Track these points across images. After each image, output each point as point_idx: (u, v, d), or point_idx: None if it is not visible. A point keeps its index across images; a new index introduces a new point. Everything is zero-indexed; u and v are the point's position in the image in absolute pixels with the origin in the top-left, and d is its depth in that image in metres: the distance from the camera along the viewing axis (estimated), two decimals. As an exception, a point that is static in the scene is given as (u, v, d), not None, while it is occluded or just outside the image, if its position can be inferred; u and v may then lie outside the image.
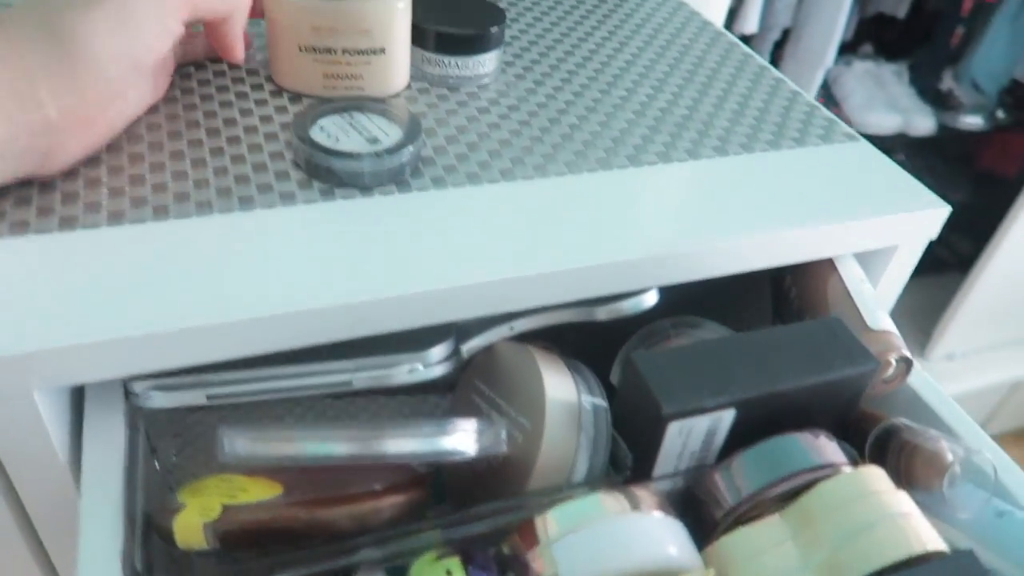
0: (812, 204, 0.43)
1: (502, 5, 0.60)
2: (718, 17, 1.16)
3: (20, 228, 0.34)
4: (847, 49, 1.96)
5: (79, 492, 0.31)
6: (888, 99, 2.00)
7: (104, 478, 0.31)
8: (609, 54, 0.55)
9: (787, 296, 0.47)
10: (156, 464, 0.39)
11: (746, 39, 1.71)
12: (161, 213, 0.36)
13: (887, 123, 1.97)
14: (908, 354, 0.41)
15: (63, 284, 0.32)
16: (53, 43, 0.33)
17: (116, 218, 0.35)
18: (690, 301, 0.46)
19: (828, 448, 0.36)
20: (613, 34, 0.58)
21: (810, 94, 1.77)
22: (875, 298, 0.43)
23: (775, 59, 1.78)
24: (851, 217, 0.42)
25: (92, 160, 0.38)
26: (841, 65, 1.98)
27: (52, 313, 0.31)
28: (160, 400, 0.35)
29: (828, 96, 2.01)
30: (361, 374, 0.36)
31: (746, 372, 0.36)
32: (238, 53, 0.41)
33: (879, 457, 0.38)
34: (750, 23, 1.59)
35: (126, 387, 0.35)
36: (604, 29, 0.58)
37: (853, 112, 1.98)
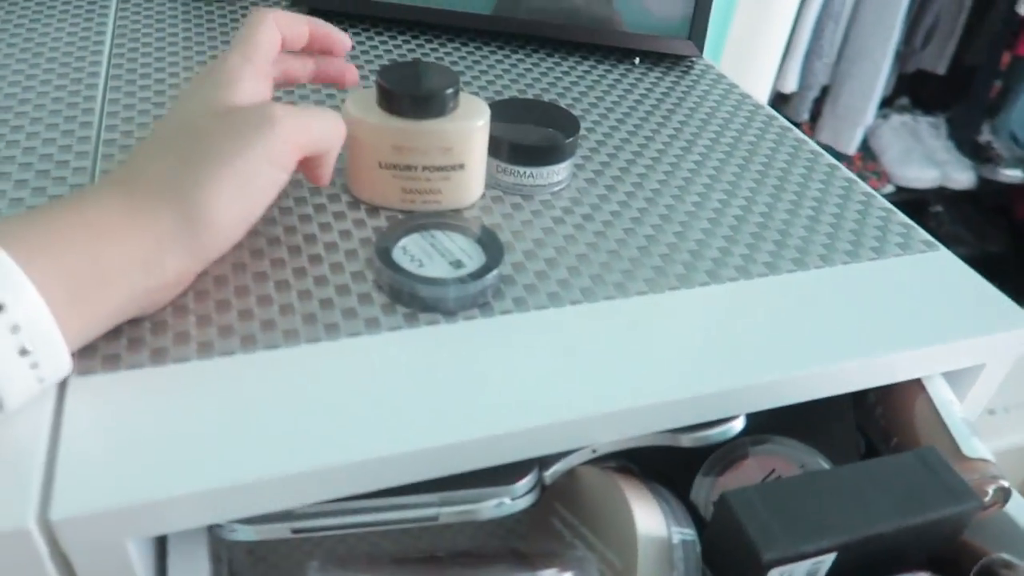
0: (898, 325, 0.42)
1: (567, 101, 0.60)
2: (765, 80, 1.16)
3: (112, 363, 0.34)
4: (883, 102, 1.95)
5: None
6: (926, 152, 1.99)
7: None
8: (677, 154, 0.55)
9: (872, 414, 0.45)
10: (238, 598, 0.38)
11: (784, 97, 1.71)
12: (249, 343, 0.36)
13: (926, 176, 1.95)
14: (1006, 484, 0.40)
15: (155, 428, 0.32)
16: (183, 216, 0.33)
17: (205, 350, 0.35)
18: (768, 414, 0.45)
19: (931, 592, 0.35)
20: (679, 132, 0.57)
21: (850, 151, 1.77)
22: (967, 422, 0.42)
23: (813, 116, 1.78)
24: (939, 338, 0.41)
25: (179, 284, 0.38)
26: (878, 119, 1.98)
27: (145, 462, 0.30)
28: (245, 534, 0.35)
29: (865, 149, 2.00)
30: (448, 509, 0.36)
31: (844, 512, 0.35)
32: (327, 181, 0.41)
33: (981, 598, 0.36)
34: (790, 82, 1.59)
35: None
36: (670, 126, 0.58)
37: (891, 165, 1.97)
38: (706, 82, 0.65)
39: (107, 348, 0.35)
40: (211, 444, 0.31)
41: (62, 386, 0.33)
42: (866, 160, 1.98)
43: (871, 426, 0.46)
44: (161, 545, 0.35)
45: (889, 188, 1.96)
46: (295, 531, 0.35)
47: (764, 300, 0.42)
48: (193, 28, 0.64)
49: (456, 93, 0.43)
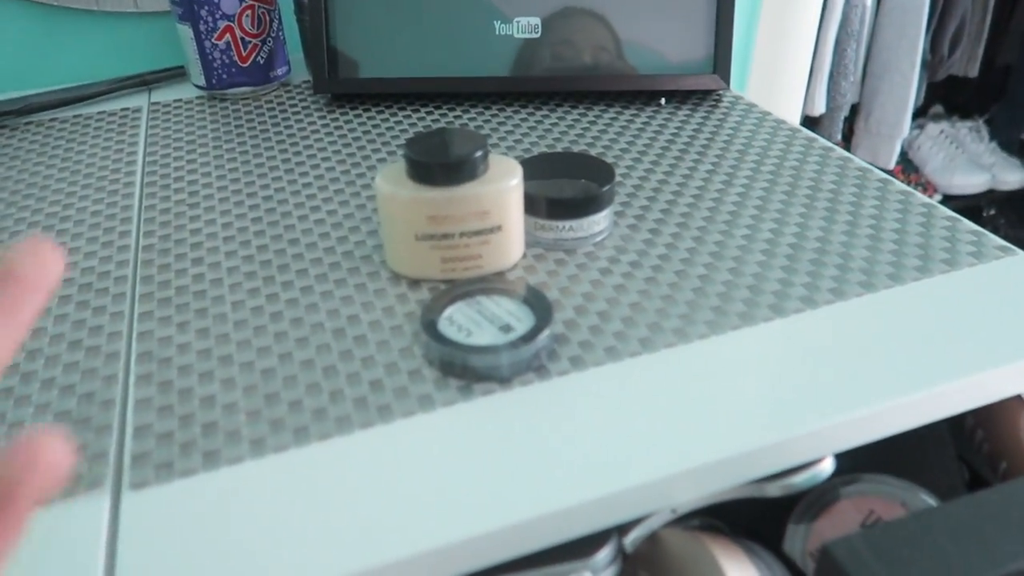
0: (987, 337, 0.39)
1: (597, 150, 0.59)
2: (795, 104, 1.14)
3: (165, 471, 0.33)
4: (918, 113, 1.91)
5: None
6: (970, 157, 1.93)
7: None
8: (719, 188, 0.53)
9: (972, 439, 0.42)
10: None
11: (814, 120, 1.69)
12: (302, 435, 0.35)
13: (974, 182, 1.90)
14: None
15: (212, 537, 0.30)
16: None
17: (258, 448, 0.34)
18: (859, 450, 0.41)
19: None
20: (717, 165, 0.56)
21: (889, 165, 1.72)
22: (1081, 436, 0.38)
23: (846, 136, 1.75)
24: (1035, 348, 0.38)
25: (226, 382, 0.38)
26: (914, 130, 1.93)
27: (202, 571, 0.29)
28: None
29: (906, 162, 1.95)
30: (527, 592, 0.33)
31: (962, 554, 0.32)
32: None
33: None
34: (819, 104, 1.57)
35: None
36: (707, 161, 0.56)
37: (935, 175, 1.91)
38: (737, 113, 0.64)
39: (159, 456, 0.34)
40: (269, 548, 0.30)
41: (115, 501, 0.32)
42: (908, 173, 1.93)
43: (973, 453, 0.42)
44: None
45: (937, 198, 1.91)
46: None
47: (835, 328, 0.40)
48: (221, 127, 0.65)
49: (486, 155, 0.42)
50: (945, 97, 1.98)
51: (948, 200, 1.93)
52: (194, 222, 0.51)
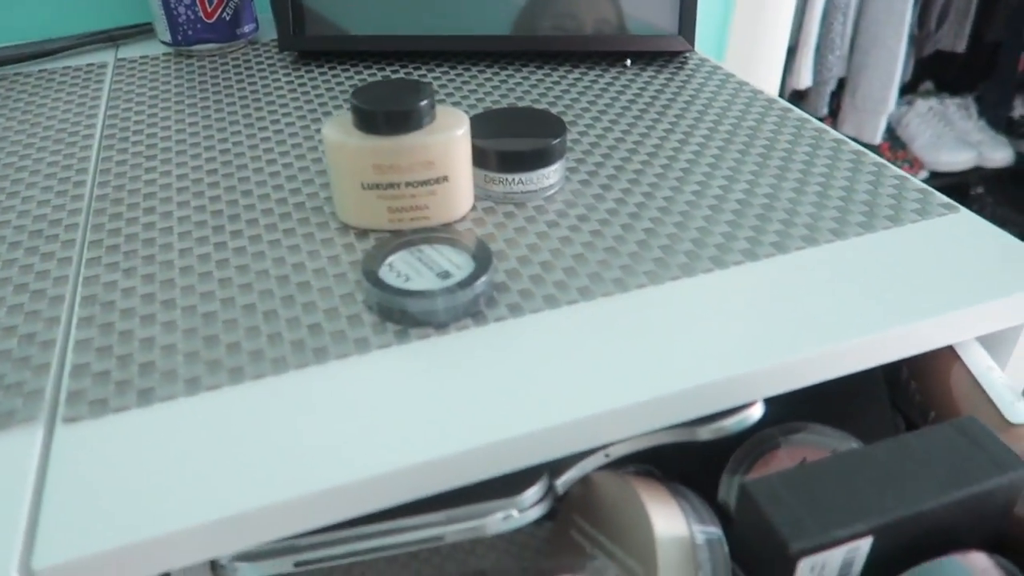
0: (921, 290, 0.39)
1: (558, 109, 0.59)
2: (773, 77, 1.14)
3: (99, 408, 0.34)
4: (907, 89, 1.91)
5: None
6: (957, 134, 1.93)
7: (195, 675, 0.29)
8: (674, 147, 0.53)
9: (907, 391, 0.42)
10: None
11: (801, 94, 1.69)
12: (237, 375, 0.35)
13: (960, 159, 1.90)
14: (1058, 448, 0.37)
15: (142, 470, 0.31)
16: None
17: (192, 386, 0.35)
18: (797, 403, 0.42)
19: (984, 567, 0.31)
20: (676, 125, 0.56)
21: (874, 140, 1.73)
22: (1009, 386, 0.39)
23: (833, 110, 1.75)
24: (968, 301, 0.38)
25: (167, 324, 0.38)
26: (903, 106, 1.93)
27: (132, 504, 0.29)
28: (247, 572, 0.34)
29: (894, 139, 1.95)
30: (453, 527, 0.34)
31: (880, 493, 0.32)
32: None
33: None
34: (804, 78, 1.57)
35: (212, 560, 0.33)
36: (666, 120, 0.57)
37: (922, 152, 1.91)
38: (701, 75, 0.64)
39: (94, 393, 0.34)
40: (199, 480, 0.30)
41: (48, 434, 0.33)
42: (895, 149, 1.93)
43: (908, 404, 0.43)
44: (165, 591, 0.34)
45: (923, 175, 1.91)
46: (298, 564, 0.34)
47: (774, 280, 0.40)
48: (185, 83, 0.65)
49: (432, 105, 0.42)
50: (935, 74, 1.98)
51: (935, 177, 1.93)
52: (149, 173, 0.51)
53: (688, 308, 0.38)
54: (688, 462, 0.44)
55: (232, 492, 0.30)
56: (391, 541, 0.34)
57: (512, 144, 0.46)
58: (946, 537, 0.33)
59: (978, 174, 1.98)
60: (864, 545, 0.32)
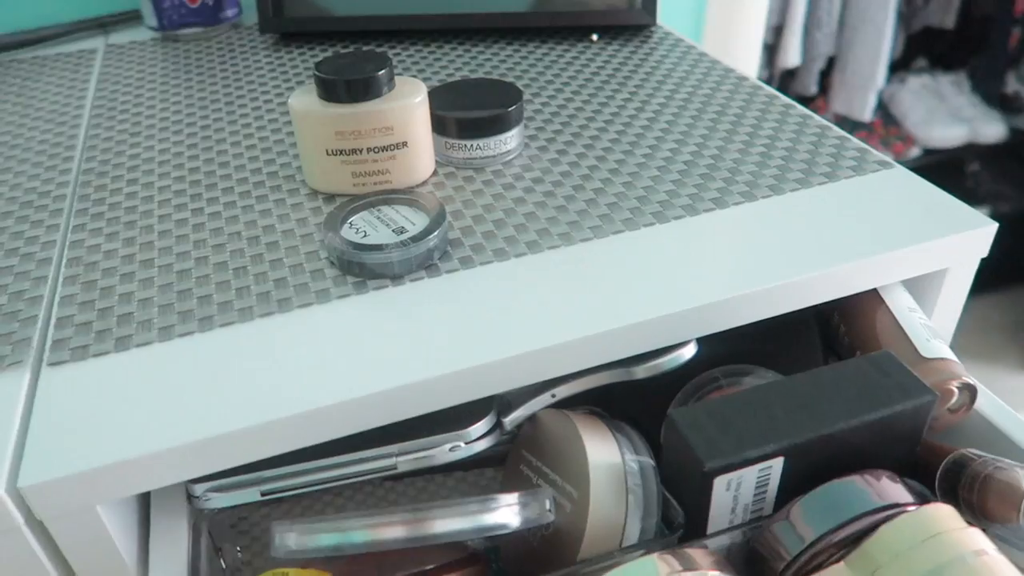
0: (845, 236, 0.42)
1: (524, 82, 0.62)
2: (754, 52, 1.16)
3: (80, 353, 0.37)
4: (899, 66, 1.92)
5: (145, 599, 0.32)
6: (950, 110, 1.94)
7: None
8: (631, 115, 0.56)
9: (837, 335, 0.45)
10: (222, 563, 0.40)
11: (791, 73, 1.70)
12: (206, 324, 0.38)
13: (952, 135, 1.91)
14: (971, 380, 0.39)
15: (118, 404, 0.34)
16: None
17: (165, 333, 0.38)
18: (739, 350, 0.45)
19: (891, 488, 0.34)
20: (634, 95, 0.59)
21: (864, 117, 1.74)
22: (927, 325, 0.41)
23: (823, 87, 1.76)
24: (889, 244, 0.41)
25: (145, 281, 0.41)
26: (895, 83, 1.94)
27: (108, 432, 0.33)
28: (218, 501, 0.37)
29: (886, 116, 1.96)
30: (405, 457, 0.37)
31: (791, 417, 0.35)
32: None
33: (950, 492, 0.36)
34: (792, 56, 1.58)
35: (187, 491, 0.37)
36: (625, 91, 0.59)
37: (915, 129, 1.92)
38: (664, 47, 0.67)
39: (76, 341, 0.38)
40: (170, 412, 0.34)
41: (34, 377, 0.36)
42: (888, 126, 1.94)
43: (839, 347, 0.45)
44: (145, 518, 0.37)
45: (916, 151, 1.92)
46: (264, 493, 0.37)
47: (710, 233, 0.43)
48: (171, 66, 0.68)
49: (390, 75, 0.45)
50: (927, 50, 1.98)
51: (929, 154, 1.94)
52: (133, 148, 0.54)
53: (628, 258, 0.41)
54: (638, 407, 0.46)
55: (200, 421, 0.33)
56: (349, 471, 0.37)
57: (470, 112, 0.49)
58: (857, 459, 0.36)
59: (972, 150, 1.99)
60: (777, 465, 0.35)
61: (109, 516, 0.34)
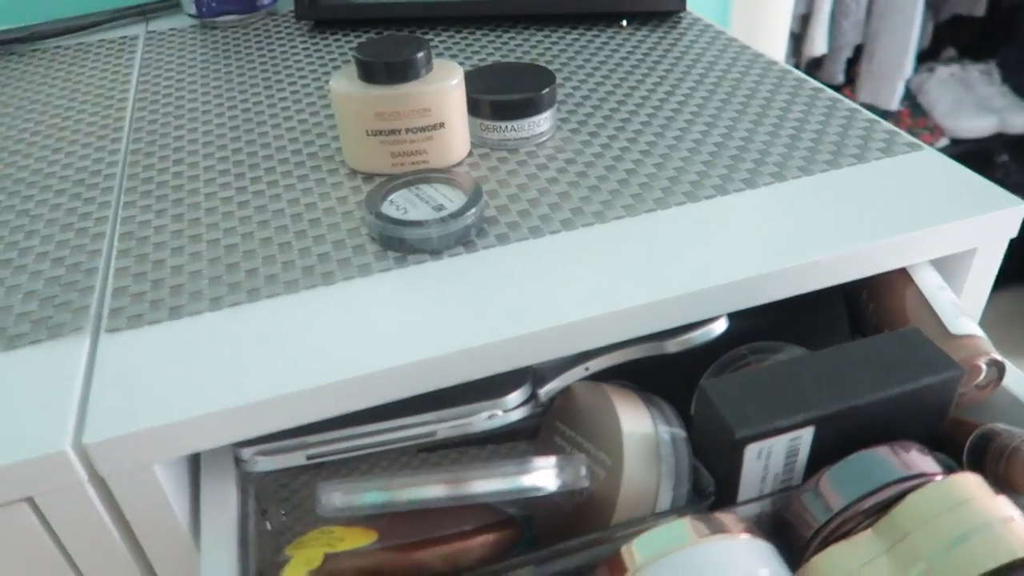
0: (874, 216, 0.43)
1: (555, 67, 0.63)
2: (780, 40, 1.16)
3: (135, 321, 0.39)
4: (928, 56, 1.90)
5: (199, 553, 0.34)
6: (978, 101, 1.92)
7: (220, 539, 0.34)
8: (661, 98, 0.57)
9: (865, 313, 0.46)
10: (268, 525, 0.42)
11: (818, 61, 1.69)
12: (254, 295, 0.40)
13: (981, 125, 1.89)
14: (998, 356, 0.40)
15: (174, 368, 0.36)
16: None
17: (216, 304, 0.39)
18: (768, 327, 0.46)
19: (918, 458, 0.35)
20: (664, 78, 0.59)
21: (891, 106, 1.73)
22: (955, 303, 0.42)
23: (850, 77, 1.75)
24: (918, 224, 0.42)
25: (194, 254, 0.43)
26: (924, 73, 1.92)
27: (164, 393, 0.34)
28: (265, 464, 0.39)
29: (914, 106, 1.94)
30: (444, 424, 0.39)
31: (820, 389, 0.36)
32: None
33: (977, 465, 0.37)
34: (818, 45, 1.58)
35: (235, 455, 0.38)
36: (655, 75, 0.60)
37: (943, 119, 1.91)
38: (693, 32, 0.67)
39: (132, 310, 0.39)
40: (221, 377, 0.35)
41: (94, 342, 0.38)
42: (915, 116, 1.93)
43: (867, 325, 0.46)
44: (195, 481, 0.39)
45: (944, 142, 1.91)
46: (309, 457, 0.39)
47: (742, 212, 0.44)
48: (210, 52, 0.69)
49: (428, 58, 0.46)
50: (955, 40, 1.96)
51: (956, 144, 1.92)
52: (178, 130, 0.56)
53: (660, 235, 0.42)
54: (668, 382, 0.48)
55: (248, 386, 0.35)
56: (389, 437, 0.39)
57: (505, 94, 0.50)
58: (885, 432, 0.37)
59: (1001, 140, 1.97)
60: (806, 435, 0.36)
61: (164, 475, 0.35)
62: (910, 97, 1.92)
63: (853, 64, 1.72)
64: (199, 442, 0.34)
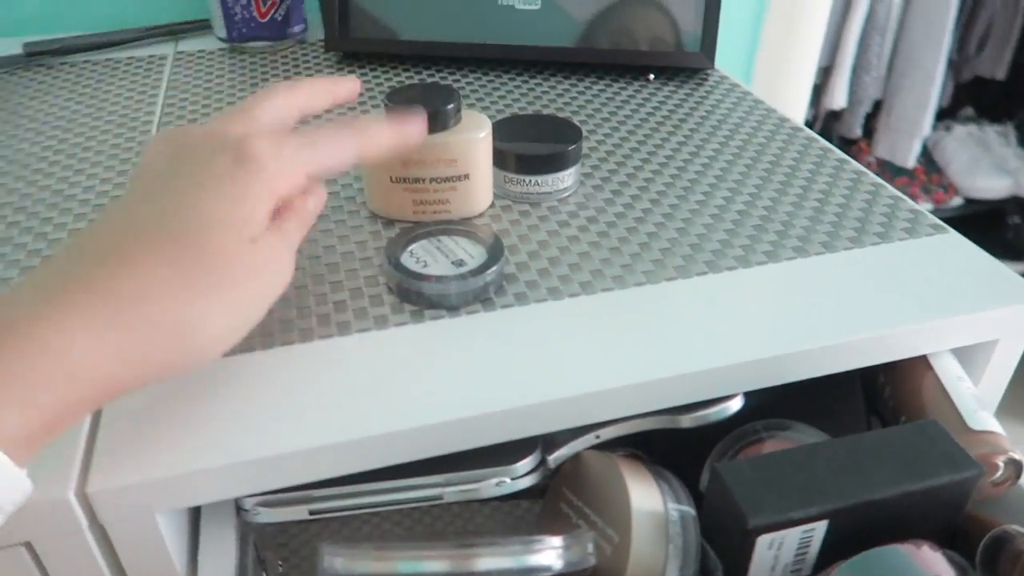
0: (898, 300, 0.42)
1: (580, 118, 0.63)
2: (803, 97, 1.16)
3: (148, 361, 0.38)
4: (946, 114, 1.91)
5: (196, 608, 0.33)
6: (995, 161, 1.92)
7: (217, 593, 0.33)
8: (685, 158, 0.56)
9: (881, 396, 0.45)
10: (264, 575, 0.41)
11: (836, 115, 1.70)
12: (268, 341, 0.39)
13: (995, 186, 1.89)
14: (1017, 455, 0.39)
15: (181, 417, 0.35)
16: (175, 349, 0.31)
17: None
18: (781, 403, 0.45)
19: (932, 559, 0.34)
20: (689, 138, 0.59)
21: (907, 164, 1.73)
22: (975, 396, 0.41)
23: (868, 131, 1.76)
24: (941, 312, 0.41)
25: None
26: (940, 131, 1.93)
27: (171, 444, 0.34)
28: (267, 516, 0.38)
29: (929, 163, 1.95)
30: (451, 488, 0.38)
31: (837, 481, 0.36)
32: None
33: (990, 567, 0.36)
34: (838, 98, 1.58)
35: (237, 504, 0.38)
36: (680, 134, 0.60)
37: (957, 177, 1.91)
38: (720, 92, 0.67)
39: (144, 349, 0.39)
40: (227, 428, 0.35)
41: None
42: (930, 173, 1.93)
43: (883, 408, 0.46)
44: (196, 528, 0.39)
45: (957, 201, 1.91)
46: (312, 512, 0.38)
47: (763, 286, 0.44)
48: (237, 76, 0.70)
49: (458, 109, 0.46)
50: (975, 100, 1.97)
51: (970, 204, 1.92)
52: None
53: (680, 306, 0.42)
54: (677, 453, 0.47)
55: (255, 440, 0.34)
56: (395, 497, 0.38)
57: (531, 148, 0.50)
58: (899, 526, 0.36)
59: (1015, 202, 1.97)
60: (820, 527, 0.35)
61: (164, 523, 0.35)
62: (926, 154, 1.92)
63: (871, 119, 1.73)
64: (202, 495, 0.34)
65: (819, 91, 1.61)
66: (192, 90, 0.67)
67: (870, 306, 0.42)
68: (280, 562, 0.45)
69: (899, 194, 0.52)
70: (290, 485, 0.35)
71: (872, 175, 0.54)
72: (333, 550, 0.33)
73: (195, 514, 0.39)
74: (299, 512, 0.38)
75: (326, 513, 0.38)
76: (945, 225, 0.49)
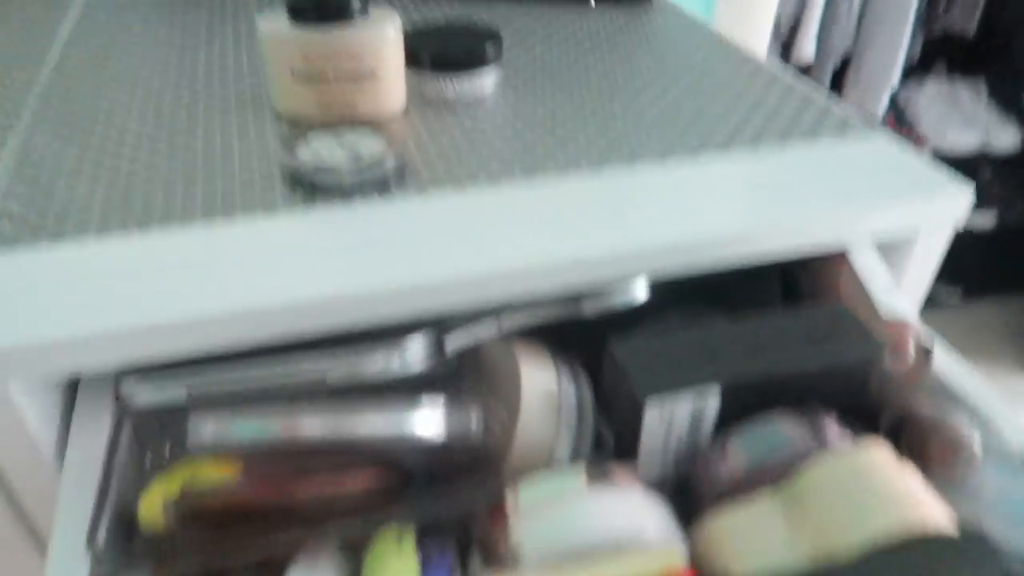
0: (817, 192, 0.41)
1: (510, 31, 0.61)
2: (761, 43, 1.15)
3: (14, 241, 0.36)
4: (918, 70, 1.90)
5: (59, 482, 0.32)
6: (965, 117, 1.92)
7: (84, 468, 0.32)
8: (612, 71, 0.55)
9: (801, 295, 0.44)
10: (146, 462, 0.39)
11: (804, 70, 1.68)
12: (145, 223, 0.38)
13: (965, 140, 1.88)
14: (927, 342, 0.38)
15: (47, 290, 0.34)
16: None
17: (103, 229, 0.37)
18: (702, 302, 0.44)
19: (828, 429, 0.33)
20: (621, 54, 0.58)
21: (876, 117, 1.72)
22: (890, 288, 0.40)
23: (837, 87, 1.74)
24: (858, 200, 0.40)
25: (92, 179, 0.41)
26: (912, 86, 1.92)
27: (33, 313, 0.32)
28: (143, 395, 0.36)
29: (899, 118, 1.94)
30: (335, 366, 0.36)
31: (733, 356, 0.34)
32: None
33: (892, 442, 0.35)
34: (806, 53, 1.56)
35: (116, 389, 0.36)
36: (616, 52, 0.58)
37: (927, 132, 1.90)
38: (659, 15, 0.65)
39: (11, 231, 0.37)
40: (107, 300, 0.33)
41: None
42: (901, 126, 1.92)
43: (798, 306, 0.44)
44: (69, 415, 0.37)
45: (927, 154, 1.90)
46: (190, 392, 0.36)
47: (679, 182, 0.42)
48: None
49: (364, 2, 0.44)
50: (947, 56, 1.96)
51: (940, 158, 1.91)
52: (106, 64, 0.54)
53: (588, 195, 0.40)
54: (595, 352, 0.46)
55: (134, 311, 0.32)
56: (277, 373, 0.36)
57: (448, 47, 0.48)
58: (800, 404, 0.35)
59: (986, 159, 1.96)
60: (712, 402, 0.34)
61: (29, 402, 0.33)
62: (895, 108, 1.91)
63: (840, 77, 1.71)
64: (79, 361, 0.32)
65: (787, 48, 1.60)
66: (105, 2, 0.65)
67: (785, 196, 0.41)
68: (167, 452, 0.43)
69: (828, 103, 0.50)
70: (164, 358, 0.33)
71: (803, 86, 0.53)
72: (202, 417, 0.32)
73: (71, 400, 0.37)
74: (176, 392, 0.36)
75: (204, 392, 0.36)
76: (875, 126, 0.47)
